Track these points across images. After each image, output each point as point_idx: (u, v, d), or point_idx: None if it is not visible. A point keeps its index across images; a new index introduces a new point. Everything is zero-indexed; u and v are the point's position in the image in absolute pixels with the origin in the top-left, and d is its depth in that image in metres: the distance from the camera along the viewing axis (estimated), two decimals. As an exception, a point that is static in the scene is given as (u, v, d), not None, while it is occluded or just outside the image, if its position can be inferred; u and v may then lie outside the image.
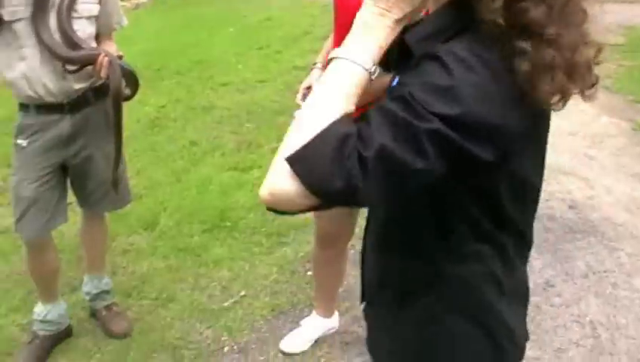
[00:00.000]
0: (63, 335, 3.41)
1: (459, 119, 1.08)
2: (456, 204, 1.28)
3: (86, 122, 2.96)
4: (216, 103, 6.54)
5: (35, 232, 3.06)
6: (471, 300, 1.37)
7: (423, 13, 1.30)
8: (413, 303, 1.41)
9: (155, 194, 4.74)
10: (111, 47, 3.00)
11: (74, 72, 2.83)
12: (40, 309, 3.32)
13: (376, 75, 1.18)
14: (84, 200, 3.26)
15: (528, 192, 1.35)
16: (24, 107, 2.93)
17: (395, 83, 1.35)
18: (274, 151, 1.19)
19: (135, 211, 4.36)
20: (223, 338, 3.38)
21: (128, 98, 2.96)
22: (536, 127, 1.26)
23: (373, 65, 1.17)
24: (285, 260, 3.98)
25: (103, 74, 2.74)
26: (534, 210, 1.42)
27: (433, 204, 1.29)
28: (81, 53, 2.78)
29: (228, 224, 4.30)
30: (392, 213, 1.40)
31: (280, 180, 1.11)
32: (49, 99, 2.86)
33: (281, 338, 3.30)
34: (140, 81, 2.97)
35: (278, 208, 1.16)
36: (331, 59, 1.18)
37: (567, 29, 1.15)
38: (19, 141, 2.93)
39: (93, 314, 3.56)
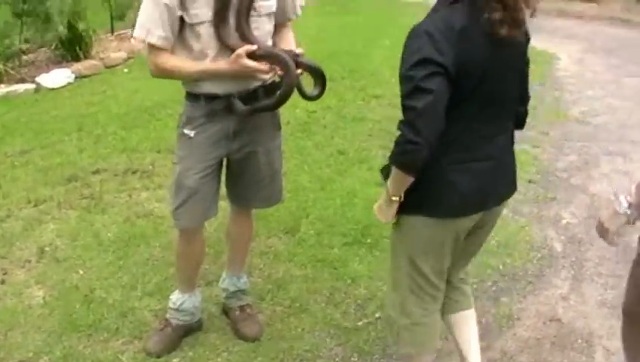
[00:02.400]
0: (193, 328, 3.40)
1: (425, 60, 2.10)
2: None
3: (253, 118, 2.92)
4: (366, 115, 6.45)
5: (192, 222, 3.08)
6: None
7: None
8: None
9: (299, 199, 4.69)
10: (289, 40, 3.01)
11: None
12: (176, 297, 3.32)
13: None
14: (236, 195, 3.24)
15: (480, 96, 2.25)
16: (193, 97, 2.92)
17: None
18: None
19: (277, 214, 4.32)
20: (352, 359, 3.26)
21: (316, 97, 2.93)
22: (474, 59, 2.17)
23: None
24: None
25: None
26: (493, 113, 2.34)
27: None
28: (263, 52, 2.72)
29: (369, 241, 4.18)
30: None
31: None
32: (222, 93, 2.85)
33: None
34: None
35: None
36: None
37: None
38: (186, 131, 2.93)
39: (226, 311, 3.53)
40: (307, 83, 2.93)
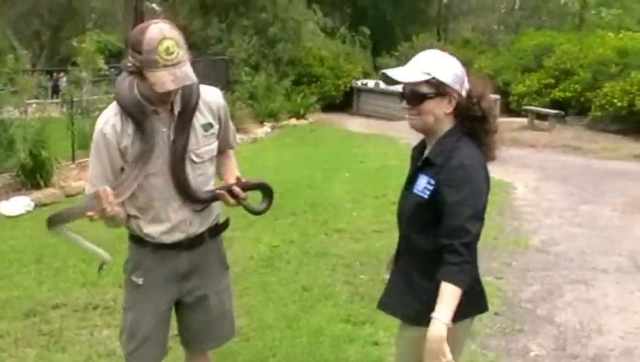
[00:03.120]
0: None
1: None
2: None
3: (201, 260, 2.92)
4: (329, 249, 6.50)
5: None
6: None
7: None
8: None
9: (265, 338, 4.60)
10: (233, 167, 3.05)
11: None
12: None
13: None
14: (189, 338, 3.14)
15: None
16: (140, 241, 2.88)
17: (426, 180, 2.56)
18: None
19: (243, 353, 4.24)
20: None
21: (264, 211, 2.99)
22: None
23: None
24: None
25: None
26: None
27: None
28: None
29: (338, 382, 4.09)
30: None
31: None
32: (170, 242, 2.83)
33: None
34: (255, 217, 2.95)
35: None
36: None
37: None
38: (134, 278, 2.88)
39: None
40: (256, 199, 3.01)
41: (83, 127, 10.05)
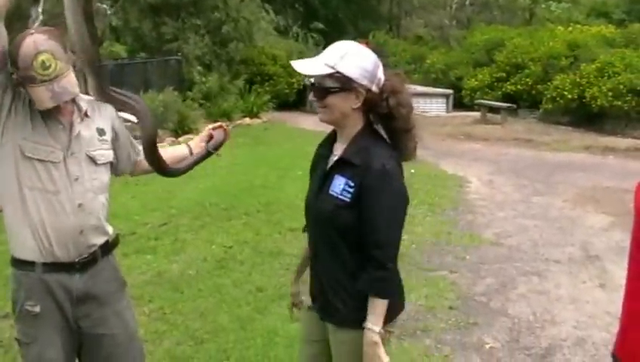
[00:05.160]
0: None
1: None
2: None
3: (96, 280, 2.71)
4: (283, 249, 6.46)
5: None
6: None
7: None
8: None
9: (218, 340, 4.53)
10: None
11: None
12: None
13: None
14: None
15: None
16: (29, 265, 2.62)
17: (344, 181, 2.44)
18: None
19: (197, 357, 4.19)
20: None
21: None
22: None
23: None
24: None
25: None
26: None
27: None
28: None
29: (293, 382, 4.05)
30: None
31: None
32: (60, 255, 2.61)
33: None
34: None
35: None
36: None
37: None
38: (29, 308, 2.63)
39: None
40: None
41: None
